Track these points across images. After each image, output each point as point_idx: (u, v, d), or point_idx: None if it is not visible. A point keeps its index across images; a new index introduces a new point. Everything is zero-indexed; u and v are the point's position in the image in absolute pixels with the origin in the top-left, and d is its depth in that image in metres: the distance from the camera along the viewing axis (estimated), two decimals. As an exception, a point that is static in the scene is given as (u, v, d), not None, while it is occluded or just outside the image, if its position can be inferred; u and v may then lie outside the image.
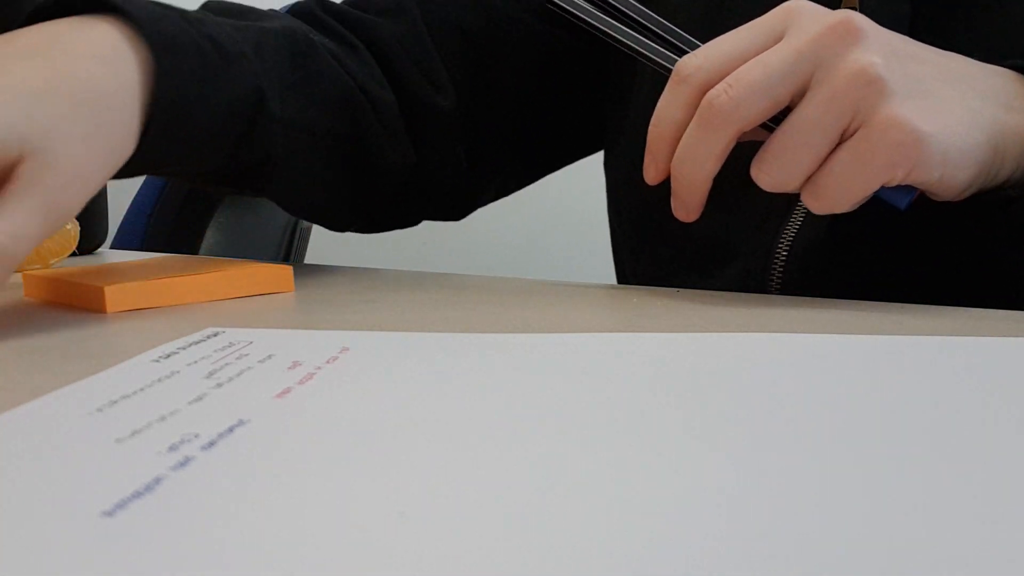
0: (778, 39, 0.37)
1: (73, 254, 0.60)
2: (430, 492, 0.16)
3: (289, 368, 0.25)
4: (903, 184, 0.37)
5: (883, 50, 0.36)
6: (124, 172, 0.41)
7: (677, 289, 0.46)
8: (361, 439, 0.19)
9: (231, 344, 0.29)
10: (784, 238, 0.49)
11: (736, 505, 0.15)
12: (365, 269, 0.58)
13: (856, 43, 0.35)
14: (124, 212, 1.14)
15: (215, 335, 0.31)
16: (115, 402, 0.22)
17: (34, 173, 0.35)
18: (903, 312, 0.37)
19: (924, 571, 0.12)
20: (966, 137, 0.36)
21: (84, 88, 0.37)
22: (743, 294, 0.43)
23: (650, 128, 0.40)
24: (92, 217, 0.74)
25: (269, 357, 0.27)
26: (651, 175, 0.41)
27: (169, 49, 0.40)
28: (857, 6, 0.46)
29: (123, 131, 0.39)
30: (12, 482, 0.16)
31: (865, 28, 0.36)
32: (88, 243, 0.74)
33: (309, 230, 1.25)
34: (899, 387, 0.23)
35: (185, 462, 0.17)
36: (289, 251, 1.20)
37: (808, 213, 0.48)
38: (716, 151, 0.37)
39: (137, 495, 0.15)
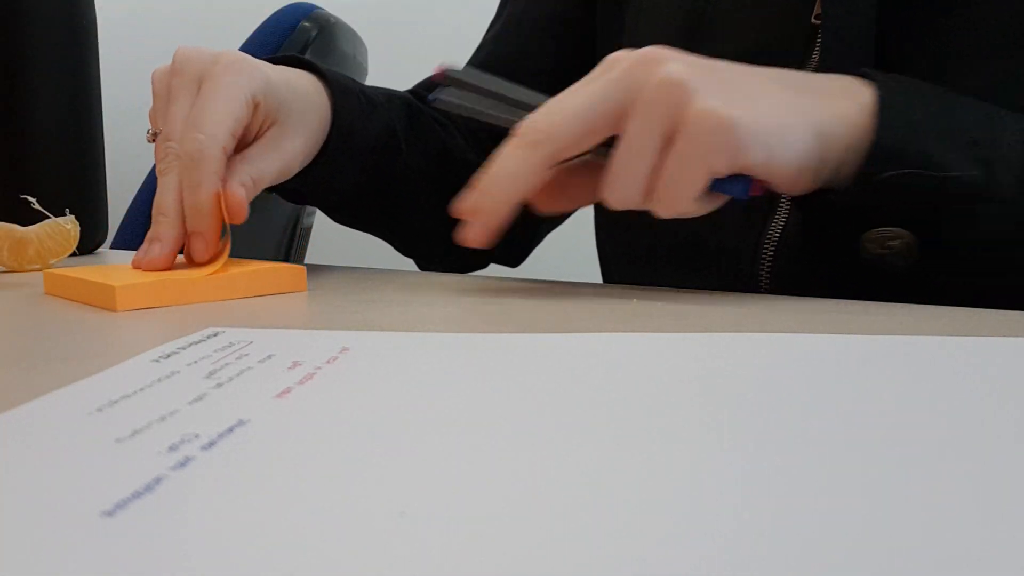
0: (613, 119, 0.40)
1: (73, 254, 0.60)
2: (430, 492, 0.16)
3: (289, 368, 0.25)
4: (737, 175, 0.39)
5: (686, 63, 0.39)
6: (301, 187, 0.56)
7: (677, 289, 0.46)
8: (361, 439, 0.19)
9: (231, 344, 0.29)
10: (769, 238, 0.49)
11: (737, 505, 0.15)
12: (365, 269, 0.58)
13: (660, 64, 0.38)
14: (124, 212, 1.14)
15: (215, 335, 0.31)
16: (115, 402, 0.22)
17: (279, 139, 0.50)
18: (903, 312, 0.37)
19: (925, 570, 0.12)
20: (780, 119, 0.39)
21: (325, 115, 0.54)
22: (743, 294, 0.43)
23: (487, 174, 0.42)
24: (92, 217, 0.74)
25: (269, 357, 0.27)
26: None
27: (341, 92, 0.55)
28: (820, 14, 0.48)
29: (321, 138, 0.53)
30: (12, 482, 0.16)
31: (668, 54, 0.39)
32: (88, 243, 0.74)
33: (309, 230, 1.25)
34: (899, 387, 0.23)
35: (185, 462, 0.17)
36: (289, 251, 1.20)
37: (791, 212, 0.49)
38: (526, 168, 0.39)
39: (137, 495, 0.15)
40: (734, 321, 0.34)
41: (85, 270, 0.45)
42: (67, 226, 0.59)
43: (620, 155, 0.39)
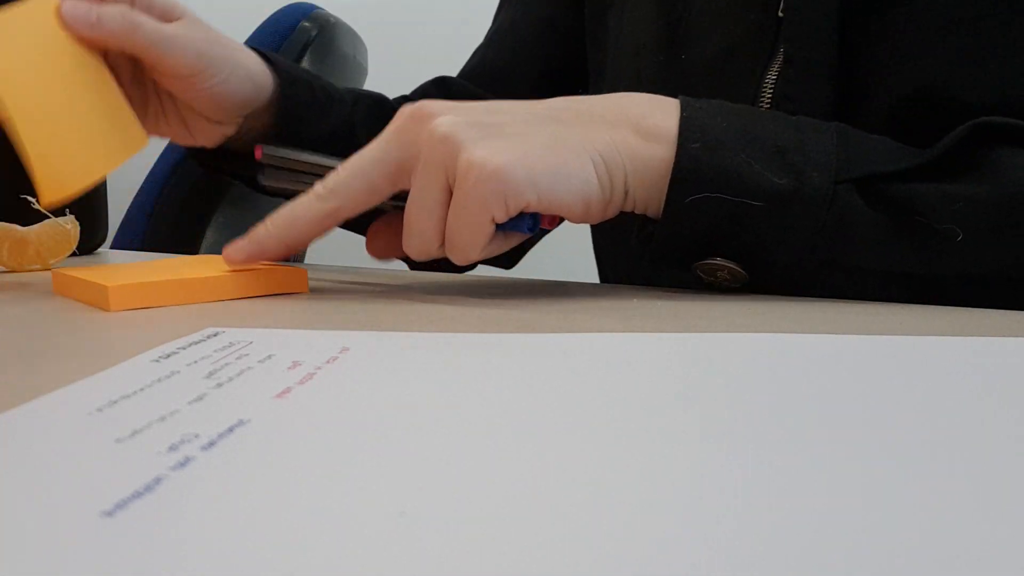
0: (396, 176, 0.42)
1: (73, 254, 0.60)
2: (430, 492, 0.16)
3: (289, 368, 0.25)
4: (522, 213, 0.41)
5: (453, 113, 0.40)
6: (247, 170, 0.60)
7: (677, 289, 0.46)
8: (361, 439, 0.19)
9: (231, 344, 0.29)
10: None
11: (737, 505, 0.15)
12: (365, 269, 0.58)
13: (429, 119, 0.40)
14: (124, 212, 1.14)
15: (215, 335, 0.31)
16: (115, 402, 0.22)
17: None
18: (903, 312, 0.37)
19: (925, 570, 0.12)
20: (550, 156, 0.40)
21: (254, 70, 0.57)
22: (743, 294, 0.43)
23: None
24: (92, 217, 0.74)
25: (269, 357, 0.27)
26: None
27: (290, 82, 0.59)
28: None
29: (243, 63, 0.57)
30: (12, 482, 0.16)
31: (435, 106, 0.41)
32: (88, 243, 0.74)
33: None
34: (899, 387, 0.23)
35: (185, 462, 0.17)
36: (289, 251, 1.20)
37: None
38: (307, 217, 0.43)
39: (137, 495, 0.15)
40: (734, 321, 0.34)
41: (91, 270, 0.45)
42: (67, 226, 0.59)
43: (409, 211, 0.41)
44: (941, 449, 0.18)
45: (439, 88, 0.72)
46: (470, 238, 0.40)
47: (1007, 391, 0.22)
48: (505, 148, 0.39)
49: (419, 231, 0.41)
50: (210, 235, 1.12)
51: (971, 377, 0.24)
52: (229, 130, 0.59)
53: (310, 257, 1.28)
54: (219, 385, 0.23)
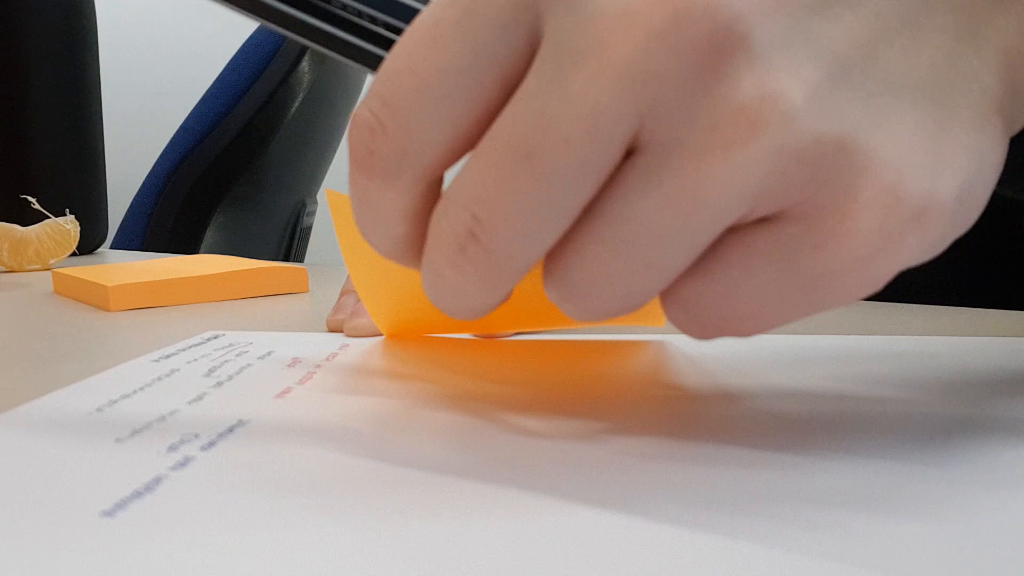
0: (523, 55, 0.16)
1: (73, 254, 0.60)
2: (430, 490, 0.16)
3: (289, 366, 0.25)
4: None
5: (782, 43, 0.15)
6: None
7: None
8: (361, 439, 0.19)
9: (231, 345, 0.29)
10: None
11: (738, 506, 0.15)
12: (365, 269, 0.57)
13: (728, 53, 0.14)
14: (124, 212, 1.14)
15: (215, 338, 0.31)
16: (115, 402, 0.22)
17: None
18: (903, 312, 0.37)
19: (924, 570, 0.12)
20: (963, 147, 0.16)
21: None
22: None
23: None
24: (92, 217, 0.75)
25: (268, 354, 0.27)
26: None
27: None
28: None
29: None
30: (12, 482, 0.16)
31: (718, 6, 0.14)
32: (88, 243, 0.74)
33: (309, 230, 1.25)
34: (899, 387, 0.23)
35: (185, 462, 0.17)
36: (289, 251, 1.20)
37: None
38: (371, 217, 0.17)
39: (137, 495, 0.15)
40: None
41: (91, 270, 0.45)
42: (67, 226, 0.59)
43: (614, 246, 0.15)
44: (941, 449, 0.18)
45: None
46: (782, 313, 0.16)
47: (1007, 391, 0.22)
48: (923, 142, 0.16)
49: (620, 282, 0.16)
50: (210, 235, 1.12)
51: (971, 377, 0.24)
52: None
53: (310, 257, 1.28)
54: (219, 384, 0.23)
